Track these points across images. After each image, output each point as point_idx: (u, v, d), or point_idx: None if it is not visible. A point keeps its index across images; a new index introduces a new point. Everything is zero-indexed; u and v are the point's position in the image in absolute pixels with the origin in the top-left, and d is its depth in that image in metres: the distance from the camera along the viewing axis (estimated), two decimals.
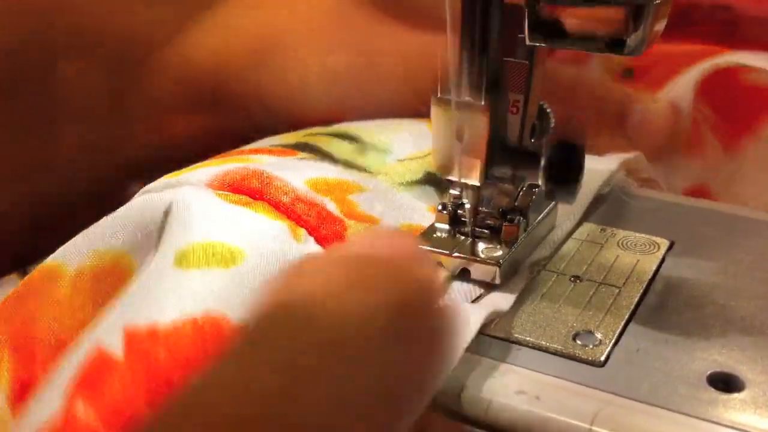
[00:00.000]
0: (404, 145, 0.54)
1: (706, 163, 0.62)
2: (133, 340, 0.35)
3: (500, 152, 0.42)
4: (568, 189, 0.42)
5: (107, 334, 0.35)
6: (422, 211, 0.46)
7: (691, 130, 0.60)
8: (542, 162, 0.42)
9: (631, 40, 0.37)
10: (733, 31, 0.71)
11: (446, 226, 0.44)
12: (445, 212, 0.44)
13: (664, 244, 0.46)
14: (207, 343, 0.34)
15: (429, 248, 0.43)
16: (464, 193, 0.44)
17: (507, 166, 0.43)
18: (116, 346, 0.35)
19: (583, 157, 0.42)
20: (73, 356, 0.35)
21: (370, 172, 0.50)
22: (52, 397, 0.34)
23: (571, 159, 0.42)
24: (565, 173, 0.42)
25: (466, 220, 0.44)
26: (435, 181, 0.50)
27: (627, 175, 0.53)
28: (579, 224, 0.48)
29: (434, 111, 0.42)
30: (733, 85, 0.61)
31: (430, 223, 0.45)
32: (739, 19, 0.74)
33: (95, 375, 0.34)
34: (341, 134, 0.53)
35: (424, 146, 0.54)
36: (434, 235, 0.44)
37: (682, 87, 0.61)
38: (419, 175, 0.51)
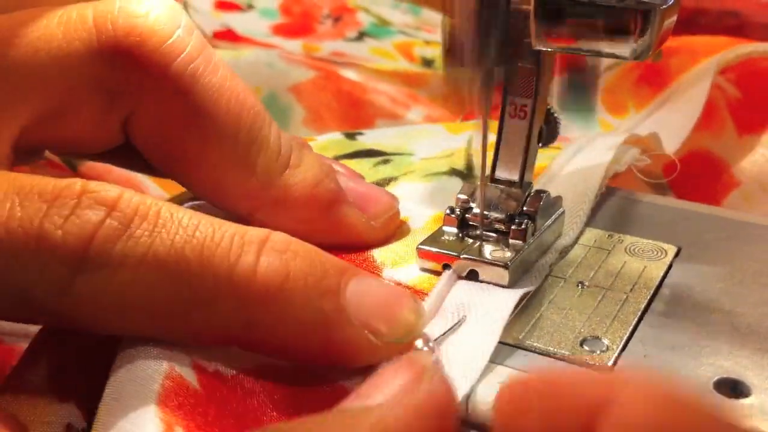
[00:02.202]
0: (427, 149, 0.56)
1: (714, 136, 0.62)
2: (204, 375, 0.35)
3: None
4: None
5: (178, 361, 0.35)
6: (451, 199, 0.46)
7: (705, 107, 0.59)
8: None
9: (638, 45, 0.38)
10: (739, 37, 0.71)
11: (454, 230, 0.44)
12: (453, 216, 0.44)
13: (672, 250, 0.46)
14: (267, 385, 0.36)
15: (437, 250, 0.43)
16: (474, 195, 0.44)
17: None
18: (191, 377, 0.35)
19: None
20: (149, 369, 0.35)
21: (394, 178, 0.51)
22: (145, 410, 0.33)
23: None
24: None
25: (475, 223, 0.44)
26: (461, 174, 0.51)
27: (642, 153, 0.53)
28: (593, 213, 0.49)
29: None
30: (764, 72, 0.61)
31: (439, 227, 0.45)
32: (746, 25, 0.74)
33: (179, 399, 0.34)
34: (362, 151, 0.55)
35: (446, 147, 0.55)
36: (442, 238, 0.44)
37: (700, 73, 0.61)
38: (444, 169, 0.52)
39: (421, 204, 0.49)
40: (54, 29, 0.39)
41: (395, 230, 0.46)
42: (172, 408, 0.33)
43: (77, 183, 0.34)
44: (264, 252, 0.35)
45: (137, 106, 0.40)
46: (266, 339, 0.35)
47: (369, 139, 0.58)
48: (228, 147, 0.41)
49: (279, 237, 0.36)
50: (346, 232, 0.43)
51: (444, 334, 0.39)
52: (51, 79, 0.39)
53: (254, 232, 0.36)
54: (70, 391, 0.37)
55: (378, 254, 0.45)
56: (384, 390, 0.31)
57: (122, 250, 0.33)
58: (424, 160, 0.54)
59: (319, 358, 0.36)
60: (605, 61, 0.67)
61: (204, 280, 0.34)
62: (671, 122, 0.59)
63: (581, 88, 0.45)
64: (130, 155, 0.42)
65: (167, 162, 0.42)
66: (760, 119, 0.62)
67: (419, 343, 0.37)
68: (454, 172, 0.52)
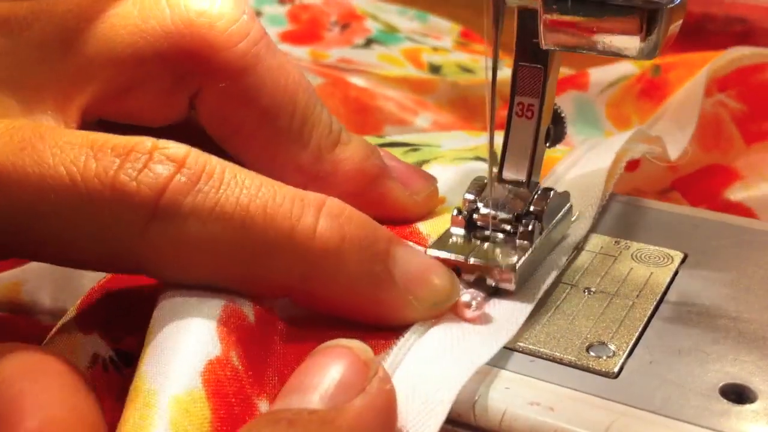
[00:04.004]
0: (453, 143, 0.58)
1: (723, 152, 0.62)
2: (260, 310, 0.38)
3: None
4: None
5: (240, 297, 0.38)
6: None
7: (710, 125, 0.60)
8: None
9: (645, 45, 0.38)
10: (747, 43, 0.71)
11: (462, 231, 0.44)
12: (460, 217, 0.44)
13: (678, 256, 0.46)
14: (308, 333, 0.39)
15: (446, 255, 0.43)
16: (480, 196, 0.44)
17: None
18: (249, 311, 0.38)
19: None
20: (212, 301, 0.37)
21: (426, 161, 0.53)
22: (204, 336, 0.36)
23: None
24: None
25: (482, 224, 0.44)
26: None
27: (654, 143, 0.54)
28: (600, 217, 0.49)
29: None
30: (765, 78, 0.61)
31: (446, 229, 0.45)
32: (753, 31, 0.74)
33: (234, 328, 0.37)
34: (391, 143, 0.56)
35: (469, 144, 0.57)
36: (450, 240, 0.44)
37: (694, 83, 0.61)
38: (471, 156, 0.53)
39: (455, 183, 0.50)
40: (130, 7, 0.42)
41: (435, 206, 0.49)
42: (229, 333, 0.36)
43: (148, 140, 0.37)
44: (322, 215, 0.38)
45: (204, 85, 0.43)
46: (319, 293, 0.38)
47: (395, 138, 0.61)
48: (285, 123, 0.44)
49: (335, 202, 0.39)
50: (391, 205, 0.46)
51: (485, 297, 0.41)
52: (125, 55, 0.41)
53: (312, 196, 0.39)
54: (93, 323, 0.40)
55: (423, 227, 0.47)
56: (326, 383, 0.33)
57: (192, 203, 0.36)
58: (451, 150, 0.56)
59: (365, 315, 0.39)
60: (608, 78, 0.69)
61: (266, 235, 0.37)
62: (670, 132, 0.59)
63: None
64: (190, 131, 0.44)
65: (227, 137, 0.45)
66: (767, 127, 0.62)
67: (467, 296, 0.40)
68: (480, 159, 0.53)
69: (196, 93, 0.43)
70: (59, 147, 0.36)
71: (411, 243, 0.45)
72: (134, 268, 0.38)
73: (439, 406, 0.35)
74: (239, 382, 0.35)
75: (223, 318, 0.36)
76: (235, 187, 0.37)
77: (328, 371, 0.34)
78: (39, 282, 0.52)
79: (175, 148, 0.37)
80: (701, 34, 0.73)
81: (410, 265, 0.40)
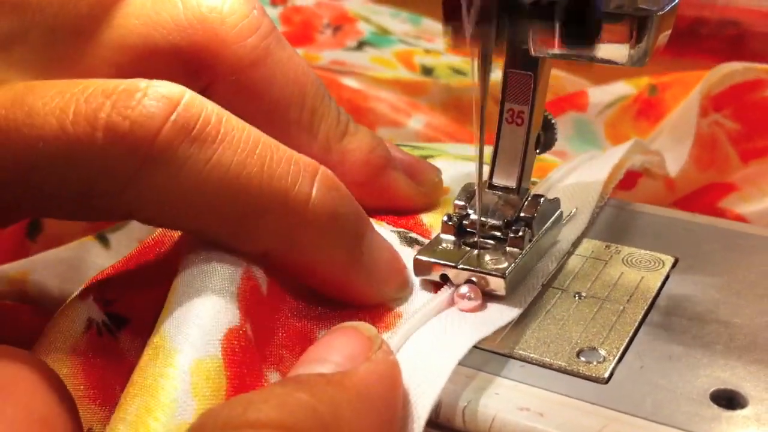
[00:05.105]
0: (457, 150, 0.58)
1: (720, 171, 0.62)
2: (273, 282, 0.39)
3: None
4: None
5: (256, 267, 0.39)
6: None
7: (707, 145, 0.61)
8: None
9: (635, 51, 0.38)
10: (740, 46, 0.71)
11: (452, 237, 0.44)
12: (450, 223, 0.44)
13: (669, 261, 0.46)
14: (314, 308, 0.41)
15: (434, 260, 0.43)
16: (470, 203, 0.44)
17: None
18: (263, 282, 0.39)
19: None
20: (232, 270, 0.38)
21: (430, 156, 0.54)
22: (226, 305, 0.36)
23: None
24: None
25: (473, 230, 0.44)
26: None
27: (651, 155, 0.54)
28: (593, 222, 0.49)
29: None
30: (759, 97, 0.62)
31: (436, 235, 0.45)
32: (746, 34, 0.74)
33: (250, 300, 0.37)
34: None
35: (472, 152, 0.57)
36: (440, 247, 0.44)
37: (689, 101, 0.62)
38: (474, 158, 0.53)
39: (460, 176, 0.51)
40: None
41: (439, 197, 0.50)
42: (246, 304, 0.37)
43: (141, 80, 0.36)
44: (317, 183, 0.38)
45: (214, 79, 0.43)
46: (297, 259, 0.39)
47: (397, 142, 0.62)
48: (294, 114, 0.45)
49: (327, 172, 0.39)
50: (395, 195, 0.48)
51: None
52: (136, 45, 0.41)
53: (305, 161, 0.39)
54: (89, 290, 0.41)
55: (426, 218, 0.48)
56: (335, 355, 0.35)
57: (187, 150, 0.35)
58: (456, 153, 0.57)
59: (331, 289, 0.41)
60: (606, 99, 0.71)
61: (262, 193, 0.37)
62: (669, 149, 0.60)
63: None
64: None
65: None
66: (763, 145, 0.62)
67: (465, 288, 0.41)
68: None
69: (206, 87, 0.43)
70: (50, 96, 0.35)
71: (414, 234, 0.46)
72: (125, 215, 0.38)
73: (439, 378, 0.36)
74: (251, 353, 0.36)
75: (242, 288, 0.37)
76: (234, 139, 0.37)
77: (335, 345, 0.35)
78: (46, 272, 0.52)
79: (170, 86, 0.36)
80: (694, 38, 0.73)
81: (379, 253, 0.42)
